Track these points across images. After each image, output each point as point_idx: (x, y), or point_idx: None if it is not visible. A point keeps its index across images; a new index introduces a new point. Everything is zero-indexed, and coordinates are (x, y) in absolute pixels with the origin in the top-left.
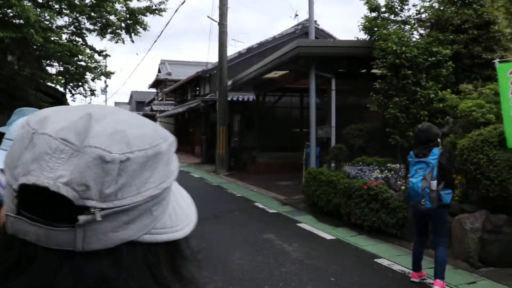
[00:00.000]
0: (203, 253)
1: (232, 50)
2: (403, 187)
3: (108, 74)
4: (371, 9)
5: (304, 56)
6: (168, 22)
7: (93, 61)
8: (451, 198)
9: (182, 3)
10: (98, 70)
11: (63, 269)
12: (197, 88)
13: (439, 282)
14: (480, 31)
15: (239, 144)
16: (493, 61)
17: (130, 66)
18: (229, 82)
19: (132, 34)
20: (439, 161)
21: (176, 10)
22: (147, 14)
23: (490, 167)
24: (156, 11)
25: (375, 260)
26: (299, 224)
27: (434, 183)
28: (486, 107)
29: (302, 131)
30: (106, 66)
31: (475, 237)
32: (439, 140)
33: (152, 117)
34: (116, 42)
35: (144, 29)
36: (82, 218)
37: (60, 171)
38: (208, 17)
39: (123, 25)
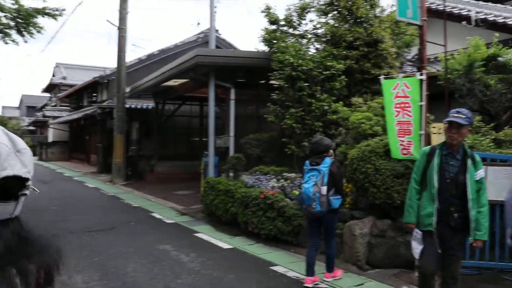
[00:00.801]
0: (95, 266)
1: (133, 56)
2: (296, 192)
3: None
4: (271, 22)
5: (204, 65)
6: (64, 23)
7: None
8: (340, 204)
9: (79, 4)
10: None
11: (6, 230)
12: (94, 94)
13: (328, 274)
14: (370, 48)
15: (137, 152)
16: (379, 77)
17: (22, 68)
18: (128, 89)
19: (25, 35)
20: (330, 169)
21: (73, 11)
22: (40, 16)
23: (376, 175)
24: (50, 15)
25: (271, 267)
26: (196, 234)
27: (324, 189)
28: (374, 119)
29: (201, 140)
30: None
31: (363, 242)
32: (331, 150)
33: (44, 124)
34: (6, 43)
35: (39, 31)
36: (25, 192)
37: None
38: (107, 21)
39: (12, 23)
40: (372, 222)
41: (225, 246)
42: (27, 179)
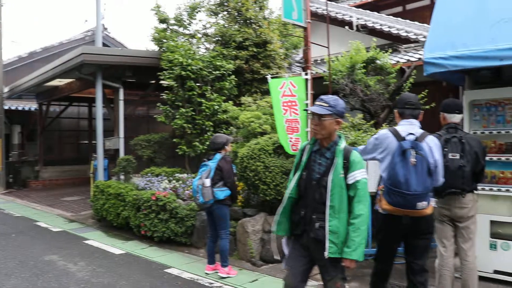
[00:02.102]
0: None
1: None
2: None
3: None
4: (161, 21)
5: (90, 63)
6: None
7: None
8: (225, 195)
9: None
10: None
11: None
12: None
13: (222, 270)
14: (259, 49)
15: (19, 158)
16: (265, 74)
17: None
18: (6, 89)
19: None
20: (218, 164)
21: None
22: None
23: (266, 173)
24: None
25: (165, 270)
26: (86, 241)
27: (207, 181)
28: (263, 118)
29: (91, 143)
30: None
31: (256, 239)
32: (226, 147)
33: None
34: None
35: None
36: None
37: None
38: None
39: None
40: (264, 218)
41: (117, 251)
42: None
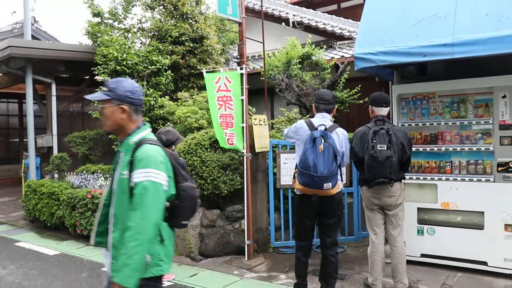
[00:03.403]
0: None
1: None
2: None
3: None
4: (95, 14)
5: (18, 57)
6: None
7: None
8: None
9: None
10: None
11: None
12: None
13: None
14: (196, 44)
15: None
16: (202, 70)
17: None
18: None
19: None
20: None
21: None
22: None
23: (203, 167)
24: None
25: (103, 269)
26: (17, 244)
27: None
28: (199, 113)
29: (22, 141)
30: None
31: (195, 233)
32: (174, 146)
33: None
34: None
35: None
36: None
37: None
38: None
39: None
40: (202, 213)
41: (52, 252)
42: None
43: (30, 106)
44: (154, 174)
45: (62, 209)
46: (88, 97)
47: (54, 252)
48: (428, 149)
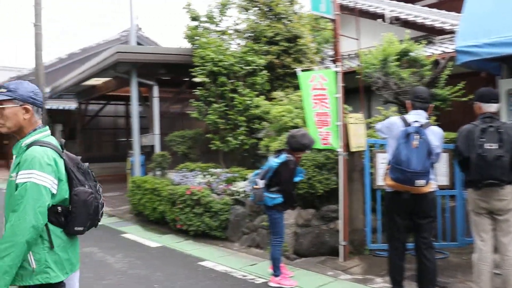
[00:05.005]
0: None
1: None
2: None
3: None
4: (193, 18)
5: (125, 62)
6: None
7: None
8: (276, 203)
9: None
10: None
11: None
12: None
13: (273, 279)
14: (290, 43)
15: None
16: (296, 69)
17: None
18: (48, 89)
19: None
20: (278, 168)
21: None
22: None
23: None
24: None
25: (199, 263)
26: (124, 235)
27: (260, 182)
28: (294, 112)
29: (128, 140)
30: None
31: (289, 232)
32: (301, 152)
33: None
34: None
35: None
36: None
37: None
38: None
39: None
40: (297, 212)
41: (154, 244)
42: None
43: (135, 108)
44: (36, 175)
45: (163, 204)
46: None
47: (156, 245)
48: None
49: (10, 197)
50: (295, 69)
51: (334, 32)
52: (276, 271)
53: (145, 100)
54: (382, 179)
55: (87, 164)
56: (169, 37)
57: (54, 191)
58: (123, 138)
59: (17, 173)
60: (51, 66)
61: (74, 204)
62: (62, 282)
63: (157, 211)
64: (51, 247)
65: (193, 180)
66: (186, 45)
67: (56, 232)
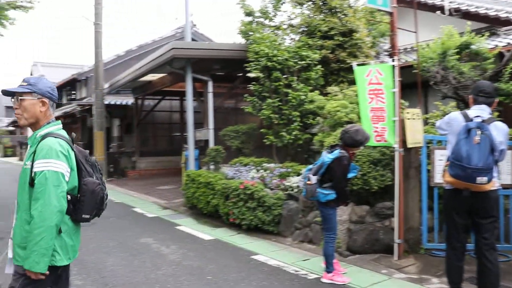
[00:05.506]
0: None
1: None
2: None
3: None
4: (247, 14)
5: (180, 58)
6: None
7: None
8: (329, 200)
9: None
10: None
11: None
12: (73, 92)
13: (326, 275)
14: (345, 38)
15: (118, 149)
16: (352, 63)
17: None
18: (106, 85)
19: None
20: (330, 164)
21: None
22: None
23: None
24: (22, 7)
25: (252, 256)
26: (178, 227)
27: (313, 178)
28: (349, 107)
29: (182, 135)
30: None
31: (343, 228)
32: (355, 149)
33: None
34: None
35: (11, 23)
36: None
37: None
38: (83, 16)
39: None
40: (351, 208)
41: (207, 237)
42: None
43: (190, 103)
44: (54, 163)
45: (216, 198)
46: (10, 89)
47: (209, 237)
48: None
49: (24, 183)
50: (350, 64)
51: (391, 25)
52: (329, 267)
53: (199, 95)
54: (441, 176)
55: (94, 157)
56: (223, 33)
57: (67, 179)
58: (177, 132)
59: (32, 162)
60: (110, 63)
61: (83, 193)
62: (66, 266)
63: (210, 205)
64: (59, 232)
65: (246, 174)
66: (240, 40)
67: (64, 218)
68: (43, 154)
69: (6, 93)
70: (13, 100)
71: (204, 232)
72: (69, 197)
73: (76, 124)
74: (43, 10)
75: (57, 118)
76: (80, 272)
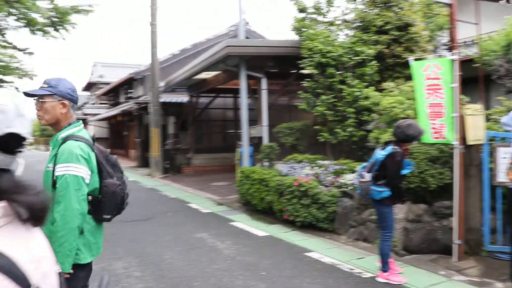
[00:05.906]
0: (133, 253)
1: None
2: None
3: (31, 76)
4: (300, 10)
5: (234, 55)
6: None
7: (13, 59)
8: (384, 197)
9: None
10: (19, 70)
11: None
12: (130, 90)
13: (381, 274)
14: (401, 32)
15: (173, 146)
16: (408, 58)
17: (60, 68)
18: (162, 84)
19: (61, 31)
20: (383, 160)
21: None
22: (74, 13)
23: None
24: (83, 11)
25: (306, 254)
26: (232, 223)
27: (367, 175)
28: (405, 103)
29: (236, 132)
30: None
31: (399, 227)
32: (407, 143)
33: (84, 121)
34: (47, 39)
35: (73, 27)
36: (21, 150)
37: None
38: (140, 19)
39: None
40: (407, 207)
41: (261, 233)
42: (24, 139)
43: (244, 100)
44: (73, 168)
45: (271, 194)
46: (30, 91)
47: (263, 234)
48: None
49: (45, 185)
50: (407, 59)
51: (451, 17)
52: (385, 266)
53: (253, 92)
54: (505, 175)
55: (115, 156)
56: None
57: (88, 181)
58: (231, 129)
59: (54, 164)
60: (165, 61)
61: (104, 195)
62: (90, 263)
63: (264, 201)
64: (81, 232)
65: (300, 171)
66: (293, 37)
67: (86, 218)
68: (64, 158)
69: (28, 95)
70: (34, 101)
71: (258, 228)
72: (90, 198)
73: (133, 122)
74: (103, 13)
75: (115, 116)
76: (139, 264)
